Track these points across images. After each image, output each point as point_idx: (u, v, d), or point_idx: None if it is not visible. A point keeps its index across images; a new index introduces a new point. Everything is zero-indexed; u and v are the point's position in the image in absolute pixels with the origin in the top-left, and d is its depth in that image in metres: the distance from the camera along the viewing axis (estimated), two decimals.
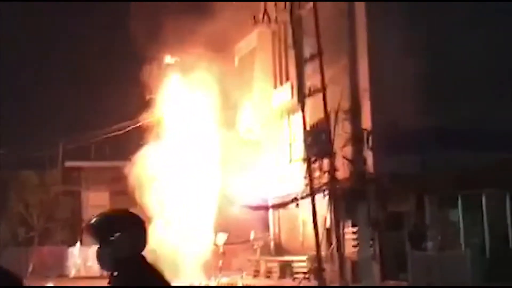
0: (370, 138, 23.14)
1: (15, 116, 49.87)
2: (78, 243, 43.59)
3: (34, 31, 48.59)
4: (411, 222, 23.47)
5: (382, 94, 23.46)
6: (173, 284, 3.63)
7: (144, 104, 34.76)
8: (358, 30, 23.75)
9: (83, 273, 41.03)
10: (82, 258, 42.23)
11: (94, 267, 41.92)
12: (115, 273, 3.61)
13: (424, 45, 23.89)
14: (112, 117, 39.25)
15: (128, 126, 37.24)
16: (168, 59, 35.37)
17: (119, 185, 45.70)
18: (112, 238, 3.60)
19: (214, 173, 34.71)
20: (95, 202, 45.88)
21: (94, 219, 3.71)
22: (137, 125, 35.62)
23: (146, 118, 35.07)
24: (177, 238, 34.27)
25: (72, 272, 42.07)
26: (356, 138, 23.05)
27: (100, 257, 3.63)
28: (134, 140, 35.24)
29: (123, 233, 3.60)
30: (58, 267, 42.12)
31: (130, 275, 3.56)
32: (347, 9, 24.34)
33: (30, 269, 41.30)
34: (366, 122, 23.43)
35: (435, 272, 21.32)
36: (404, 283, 22.17)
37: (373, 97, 23.46)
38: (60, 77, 50.40)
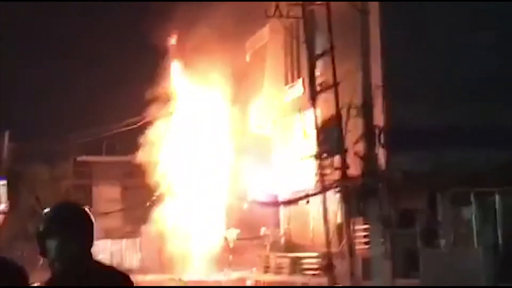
0: (382, 135, 22.98)
1: (28, 110, 49.94)
2: None
3: (48, 27, 48.60)
4: (423, 220, 23.31)
5: (395, 91, 23.28)
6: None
7: (156, 99, 34.75)
8: (371, 26, 23.56)
9: None
10: (93, 251, 42.35)
11: (105, 260, 42.13)
12: (60, 271, 3.47)
13: (438, 41, 23.72)
14: (124, 111, 39.25)
15: (140, 121, 37.23)
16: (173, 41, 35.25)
17: (130, 179, 45.81)
18: (58, 232, 3.45)
19: (225, 169, 34.69)
20: (106, 196, 46.01)
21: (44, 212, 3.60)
22: (148, 119, 35.59)
23: (157, 113, 35.05)
24: (188, 232, 34.29)
25: None
26: (368, 135, 22.89)
27: (43, 252, 3.51)
28: (145, 135, 35.23)
29: (70, 228, 3.47)
30: None
31: (75, 272, 3.45)
32: (360, 4, 24.15)
33: (40, 262, 41.41)
34: (379, 118, 23.27)
35: (447, 270, 21.16)
36: (416, 281, 22.02)
37: (386, 94, 23.29)
38: (73, 72, 50.41)
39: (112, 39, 46.64)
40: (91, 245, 3.50)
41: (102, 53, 48.02)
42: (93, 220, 3.52)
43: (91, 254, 3.52)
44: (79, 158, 46.53)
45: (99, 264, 3.53)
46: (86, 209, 3.54)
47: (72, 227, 3.46)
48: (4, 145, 44.61)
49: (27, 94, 51.37)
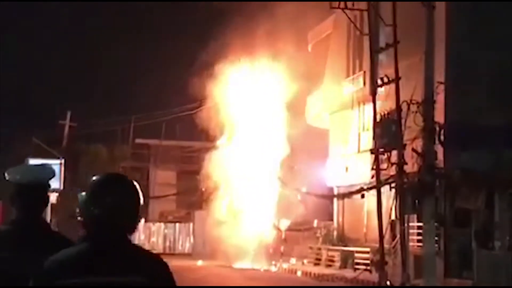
0: (442, 132, 22.65)
1: (89, 90, 50.72)
2: (143, 219, 44.21)
3: (109, 12, 49.18)
4: (479, 220, 22.96)
5: (457, 88, 22.96)
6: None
7: (215, 87, 34.87)
8: (436, 21, 23.20)
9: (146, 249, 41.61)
10: (146, 234, 42.82)
11: (158, 243, 42.52)
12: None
13: (503, 38, 23.31)
14: (184, 97, 39.50)
15: (199, 107, 37.42)
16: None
17: (187, 165, 46.13)
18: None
19: (281, 159, 34.68)
20: (163, 180, 46.41)
21: None
22: (207, 106, 35.73)
23: (215, 101, 35.18)
24: (241, 220, 34.39)
25: None
26: (427, 132, 22.56)
27: None
28: (203, 121, 35.41)
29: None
30: None
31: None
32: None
33: None
34: (439, 115, 22.94)
35: (501, 272, 20.82)
36: (468, 282, 21.72)
37: (448, 91, 22.96)
38: (136, 54, 50.95)
39: (174, 22, 47.01)
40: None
41: (164, 39, 48.45)
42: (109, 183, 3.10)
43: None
44: (138, 140, 47.00)
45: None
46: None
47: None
48: (66, 124, 45.36)
49: (90, 76, 52.15)
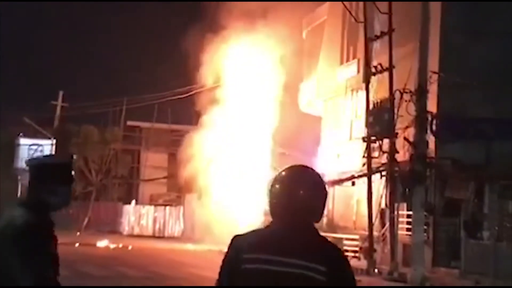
0: (434, 122, 22.72)
1: (81, 71, 50.58)
2: (133, 201, 44.18)
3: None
4: (468, 210, 23.08)
5: (451, 79, 22.99)
6: None
7: (208, 71, 34.83)
8: (431, 11, 23.23)
9: (136, 232, 41.61)
10: (136, 216, 42.82)
11: (147, 226, 42.54)
12: None
13: (497, 30, 23.35)
14: (176, 80, 39.45)
15: (191, 91, 37.38)
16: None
17: (178, 148, 46.16)
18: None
19: (271, 145, 34.73)
20: (153, 163, 46.36)
21: None
22: (199, 90, 35.71)
23: (208, 85, 35.15)
24: (230, 205, 34.44)
25: (126, 230, 42.68)
26: (419, 121, 22.64)
27: None
28: (195, 105, 35.40)
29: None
30: (112, 223, 42.79)
31: None
32: None
33: (85, 222, 42.07)
34: (432, 105, 23.00)
35: (489, 262, 20.95)
36: (456, 271, 21.85)
37: (441, 81, 23.01)
38: (129, 37, 50.81)
39: (169, 8, 46.91)
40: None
41: (158, 23, 48.34)
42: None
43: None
44: (129, 123, 46.93)
45: None
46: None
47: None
48: (57, 105, 45.29)
49: (82, 57, 52.01)
